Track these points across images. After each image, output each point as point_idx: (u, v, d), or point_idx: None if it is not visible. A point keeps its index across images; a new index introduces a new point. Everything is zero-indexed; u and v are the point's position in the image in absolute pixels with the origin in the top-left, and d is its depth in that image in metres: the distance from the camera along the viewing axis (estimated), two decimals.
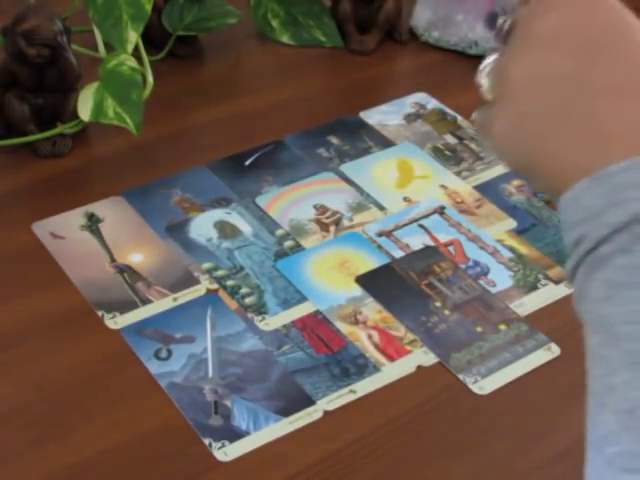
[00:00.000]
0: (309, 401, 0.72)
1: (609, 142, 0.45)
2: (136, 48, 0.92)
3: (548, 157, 0.48)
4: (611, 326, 0.43)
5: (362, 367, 0.75)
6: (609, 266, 0.43)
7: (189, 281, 0.81)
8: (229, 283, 0.81)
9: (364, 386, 0.73)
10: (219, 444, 0.69)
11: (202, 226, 0.87)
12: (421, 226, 0.88)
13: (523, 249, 0.86)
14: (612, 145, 0.45)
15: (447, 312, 0.79)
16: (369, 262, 0.84)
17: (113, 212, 0.88)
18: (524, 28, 0.49)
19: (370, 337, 0.77)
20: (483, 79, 0.53)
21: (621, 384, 0.42)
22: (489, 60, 0.53)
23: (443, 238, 0.87)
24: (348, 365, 0.75)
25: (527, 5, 0.50)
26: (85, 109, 0.88)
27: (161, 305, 0.79)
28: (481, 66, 0.53)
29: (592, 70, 0.46)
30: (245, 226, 0.87)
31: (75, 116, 0.90)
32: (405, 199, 0.91)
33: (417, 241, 0.86)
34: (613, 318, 0.43)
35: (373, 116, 1.02)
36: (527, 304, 0.81)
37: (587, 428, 0.43)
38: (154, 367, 0.74)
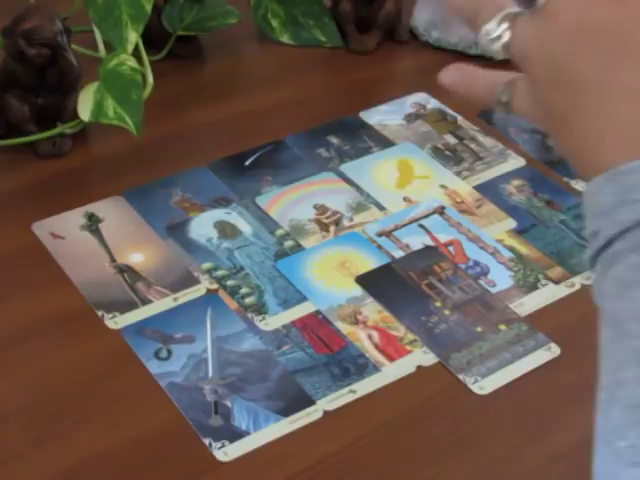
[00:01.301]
0: (309, 401, 0.72)
1: (626, 143, 0.45)
2: (136, 48, 0.92)
3: (571, 150, 0.49)
4: (620, 323, 0.43)
5: (362, 367, 0.74)
6: (620, 264, 0.44)
7: (189, 281, 0.81)
8: (229, 283, 0.81)
9: (364, 386, 0.73)
10: (219, 444, 0.68)
11: (202, 226, 0.87)
12: (421, 226, 0.88)
13: (523, 249, 0.86)
14: (628, 146, 0.45)
15: (447, 312, 0.79)
16: (369, 262, 0.84)
17: (113, 212, 0.88)
18: (552, 15, 0.48)
19: (370, 337, 0.77)
20: (497, 46, 0.50)
21: (630, 380, 0.42)
22: (503, 27, 0.50)
23: (443, 238, 0.87)
24: (348, 365, 0.75)
25: None
26: (85, 109, 0.88)
27: (161, 305, 0.79)
28: (494, 31, 0.50)
29: (614, 72, 0.46)
30: (245, 226, 0.87)
31: (75, 116, 0.90)
32: (405, 199, 0.91)
33: (417, 241, 0.86)
34: (622, 315, 0.43)
35: (373, 116, 1.02)
36: (527, 304, 0.81)
37: (596, 421, 0.43)
38: (154, 367, 0.74)
